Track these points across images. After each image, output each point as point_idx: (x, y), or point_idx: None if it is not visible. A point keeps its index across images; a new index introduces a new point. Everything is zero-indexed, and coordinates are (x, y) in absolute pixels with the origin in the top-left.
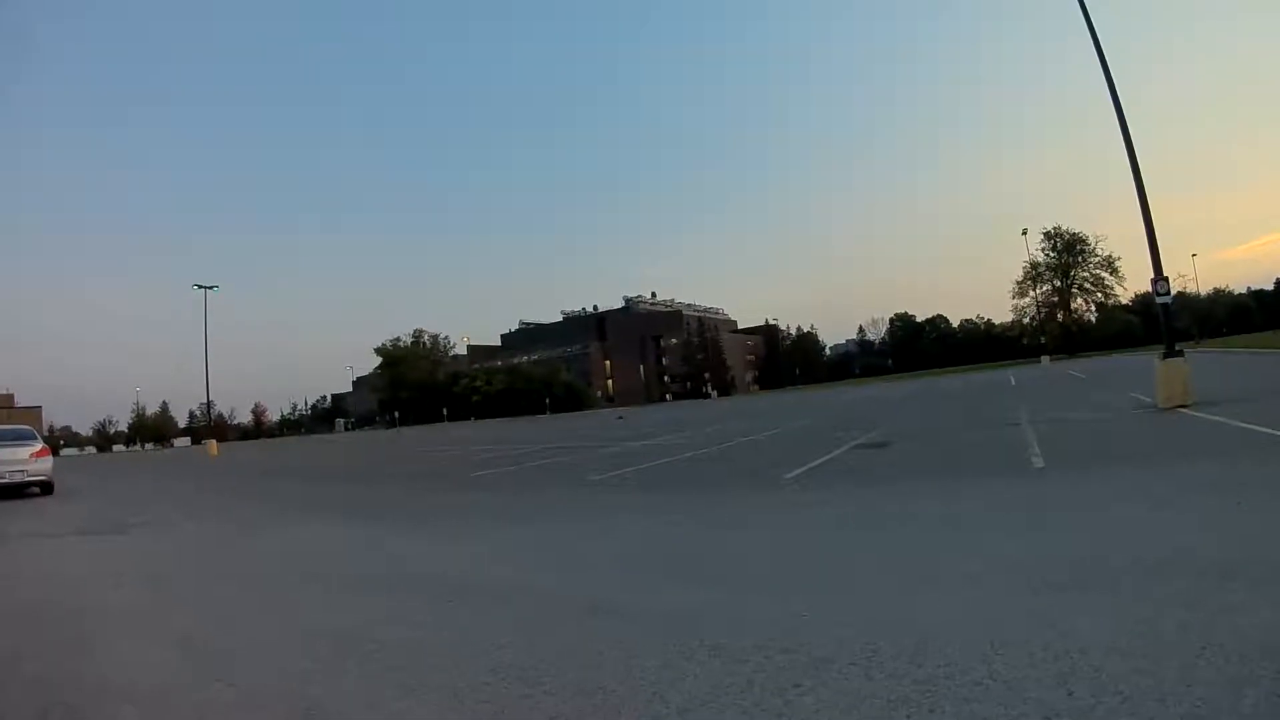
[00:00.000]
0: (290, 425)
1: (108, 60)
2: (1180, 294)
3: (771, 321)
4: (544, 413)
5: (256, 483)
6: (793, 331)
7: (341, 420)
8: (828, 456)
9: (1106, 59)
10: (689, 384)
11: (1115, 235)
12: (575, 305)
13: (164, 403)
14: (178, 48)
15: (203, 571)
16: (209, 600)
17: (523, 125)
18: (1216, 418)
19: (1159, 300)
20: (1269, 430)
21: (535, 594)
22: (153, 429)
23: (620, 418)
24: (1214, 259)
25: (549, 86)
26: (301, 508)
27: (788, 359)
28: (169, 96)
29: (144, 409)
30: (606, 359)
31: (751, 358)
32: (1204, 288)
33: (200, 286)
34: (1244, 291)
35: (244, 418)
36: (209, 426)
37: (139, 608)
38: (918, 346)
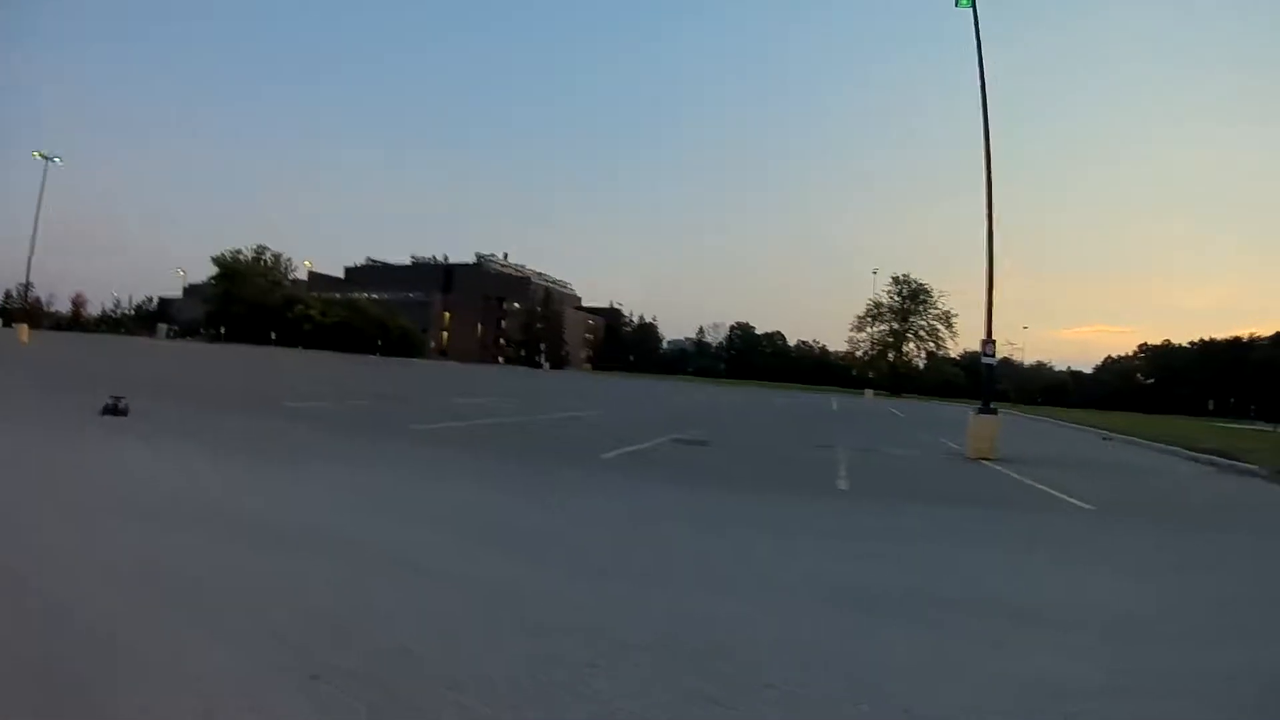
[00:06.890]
0: (110, 323)
1: None
2: (1005, 359)
3: (616, 305)
4: (375, 354)
5: (73, 383)
6: (635, 320)
7: (164, 326)
8: (648, 444)
9: (990, 134)
10: (524, 351)
11: (957, 293)
12: (427, 251)
13: None
14: None
15: None
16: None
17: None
18: (1013, 474)
19: (984, 360)
20: (1057, 493)
21: (348, 546)
22: None
23: None
24: (1045, 335)
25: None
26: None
27: (625, 344)
28: None
29: None
30: (447, 311)
31: (590, 337)
32: (1029, 358)
33: (44, 156)
34: (1064, 369)
35: (62, 305)
36: (25, 310)
37: None
38: (753, 359)
